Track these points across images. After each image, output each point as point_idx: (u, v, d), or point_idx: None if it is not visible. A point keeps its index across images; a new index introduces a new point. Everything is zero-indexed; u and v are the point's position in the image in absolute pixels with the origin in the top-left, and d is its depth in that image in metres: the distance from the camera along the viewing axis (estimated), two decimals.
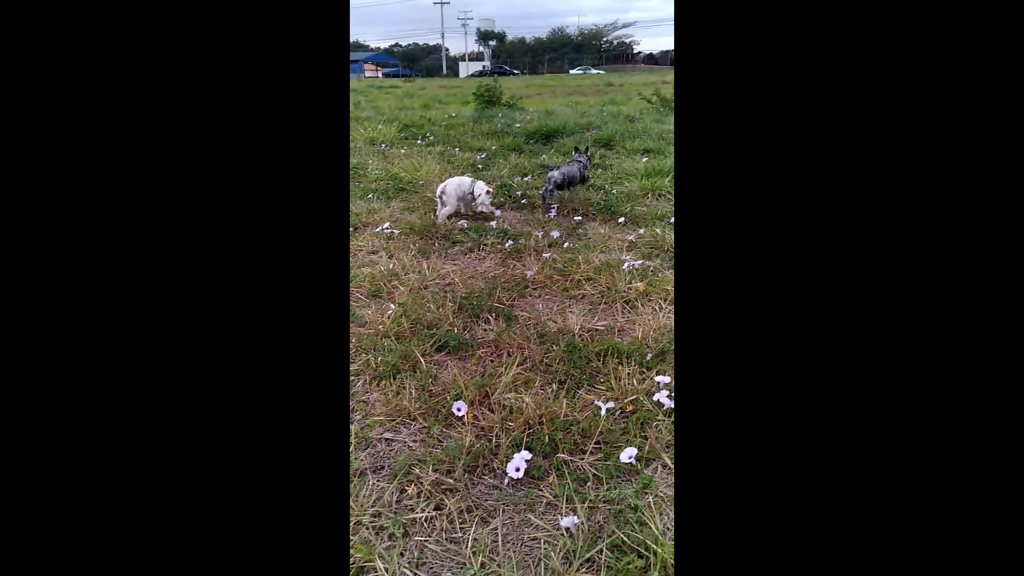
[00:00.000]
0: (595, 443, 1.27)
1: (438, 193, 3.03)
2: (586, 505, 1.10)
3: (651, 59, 50.30)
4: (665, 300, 1.97)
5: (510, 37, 54.24)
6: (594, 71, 35.70)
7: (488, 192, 3.03)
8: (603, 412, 1.34)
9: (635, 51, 52.90)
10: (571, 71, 38.62)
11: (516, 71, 40.23)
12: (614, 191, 3.49)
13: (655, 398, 1.39)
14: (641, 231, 2.72)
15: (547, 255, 2.44)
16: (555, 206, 3.20)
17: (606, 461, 1.22)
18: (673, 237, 2.56)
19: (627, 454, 1.19)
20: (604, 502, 1.11)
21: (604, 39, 51.37)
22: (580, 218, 3.04)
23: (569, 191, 3.27)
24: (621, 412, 1.38)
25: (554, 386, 1.49)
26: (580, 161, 3.33)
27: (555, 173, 3.18)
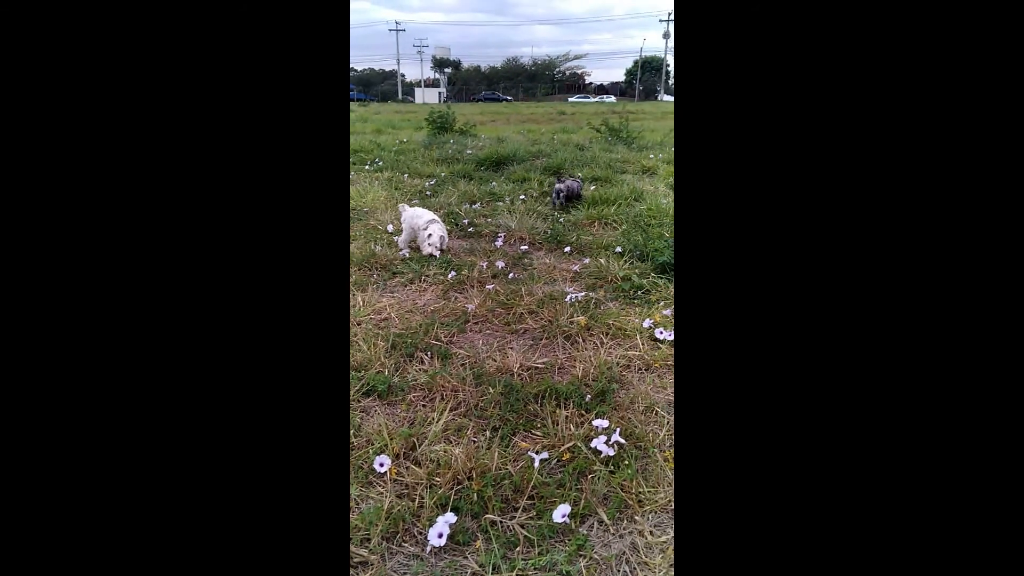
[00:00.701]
0: (528, 499, 1.17)
1: (400, 215, 3.03)
2: (515, 574, 1.00)
3: (601, 89, 52.36)
4: (606, 335, 1.92)
5: (465, 65, 55.05)
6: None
7: (442, 237, 2.83)
8: (536, 464, 1.25)
9: (586, 81, 54.87)
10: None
11: (509, 97, 41.90)
12: (561, 219, 3.48)
13: (593, 444, 1.31)
14: (586, 261, 2.70)
15: (490, 287, 2.36)
16: (502, 235, 3.15)
17: (539, 520, 1.12)
18: (617, 267, 2.54)
19: (560, 512, 1.10)
20: (535, 569, 1.02)
21: (557, 69, 53.01)
22: (526, 247, 2.99)
23: (571, 202, 3.85)
24: (557, 461, 1.30)
25: (487, 433, 1.39)
26: (577, 181, 3.97)
27: (561, 186, 3.80)
